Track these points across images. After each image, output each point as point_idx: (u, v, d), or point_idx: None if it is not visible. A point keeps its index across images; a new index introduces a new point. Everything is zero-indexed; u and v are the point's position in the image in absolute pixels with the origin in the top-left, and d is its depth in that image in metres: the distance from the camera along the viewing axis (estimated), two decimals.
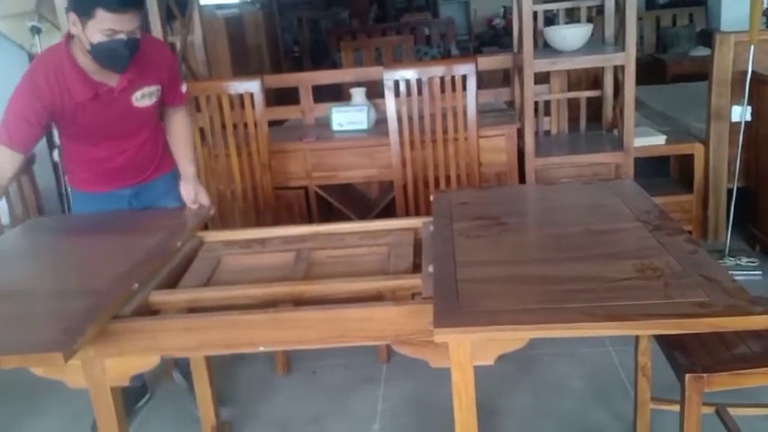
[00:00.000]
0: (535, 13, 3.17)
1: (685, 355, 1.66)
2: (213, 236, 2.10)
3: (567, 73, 3.50)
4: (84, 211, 2.34)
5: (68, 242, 2.12)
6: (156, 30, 3.24)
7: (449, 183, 2.90)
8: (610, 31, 3.33)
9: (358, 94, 3.39)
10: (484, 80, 4.22)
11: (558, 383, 2.47)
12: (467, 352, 1.45)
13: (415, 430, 2.32)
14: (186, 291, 1.78)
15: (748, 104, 3.17)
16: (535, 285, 1.49)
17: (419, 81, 2.83)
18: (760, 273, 3.10)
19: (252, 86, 2.89)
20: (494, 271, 1.58)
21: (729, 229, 3.26)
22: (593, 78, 3.88)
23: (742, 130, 3.19)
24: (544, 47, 3.34)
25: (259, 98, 2.90)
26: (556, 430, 2.25)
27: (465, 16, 9.70)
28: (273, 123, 3.53)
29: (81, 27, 1.93)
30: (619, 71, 3.18)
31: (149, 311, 1.69)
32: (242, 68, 5.39)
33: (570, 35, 3.15)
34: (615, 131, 3.37)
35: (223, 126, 2.94)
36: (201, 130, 2.97)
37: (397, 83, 2.84)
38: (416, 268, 1.77)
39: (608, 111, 3.48)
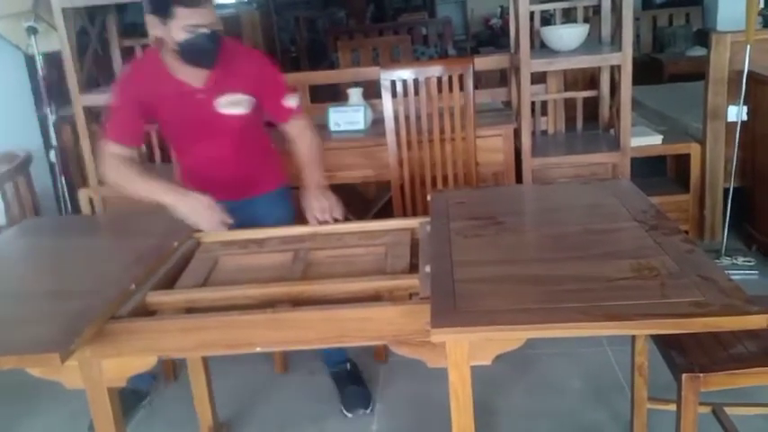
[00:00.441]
0: (532, 14, 3.18)
1: (682, 354, 1.66)
2: (210, 236, 2.10)
3: (564, 73, 3.50)
4: None
5: (65, 243, 2.11)
6: None
7: (446, 183, 2.90)
8: (606, 30, 3.34)
9: (355, 94, 3.38)
10: (481, 80, 4.22)
11: (555, 383, 2.47)
12: (464, 352, 1.45)
13: (412, 431, 2.32)
14: (183, 291, 1.78)
15: (744, 104, 3.18)
16: (532, 285, 1.50)
17: (416, 81, 2.84)
18: (756, 272, 3.11)
19: None
20: (491, 271, 1.58)
21: (726, 228, 3.26)
22: (589, 78, 3.89)
23: (738, 129, 3.19)
24: (541, 47, 3.35)
25: None
26: (553, 430, 2.25)
27: (462, 15, 9.69)
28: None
29: (164, 28, 1.99)
30: (615, 71, 3.18)
31: (146, 312, 1.69)
32: None
33: (567, 35, 3.15)
34: (612, 131, 3.37)
35: None
36: None
37: (394, 83, 2.84)
38: (413, 268, 1.77)
39: (605, 111, 3.48)
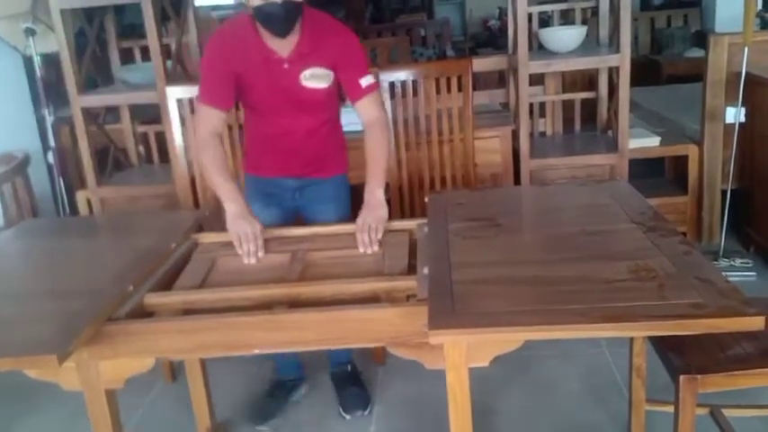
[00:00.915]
0: (530, 15, 3.18)
1: (680, 356, 1.66)
2: (208, 237, 2.10)
3: (562, 74, 3.51)
4: (251, 195, 2.27)
5: (63, 244, 2.11)
6: (151, 30, 3.23)
7: (444, 184, 2.90)
8: (604, 32, 3.34)
9: None
10: (479, 81, 4.22)
11: (553, 384, 2.47)
12: (462, 353, 1.45)
13: None
14: (181, 293, 1.78)
15: (742, 105, 3.18)
16: (530, 286, 1.50)
17: (414, 82, 2.84)
18: (754, 274, 3.11)
19: None
20: (489, 272, 1.58)
21: (724, 230, 3.26)
22: (587, 80, 3.90)
23: (736, 131, 3.20)
24: (539, 48, 3.35)
25: None
26: (551, 431, 2.25)
27: (460, 17, 9.70)
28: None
29: None
30: (613, 72, 3.18)
31: (144, 313, 1.68)
32: None
33: (565, 37, 3.15)
34: (610, 133, 3.38)
35: None
36: None
37: (392, 84, 2.84)
38: (411, 270, 1.77)
39: (603, 112, 3.48)
